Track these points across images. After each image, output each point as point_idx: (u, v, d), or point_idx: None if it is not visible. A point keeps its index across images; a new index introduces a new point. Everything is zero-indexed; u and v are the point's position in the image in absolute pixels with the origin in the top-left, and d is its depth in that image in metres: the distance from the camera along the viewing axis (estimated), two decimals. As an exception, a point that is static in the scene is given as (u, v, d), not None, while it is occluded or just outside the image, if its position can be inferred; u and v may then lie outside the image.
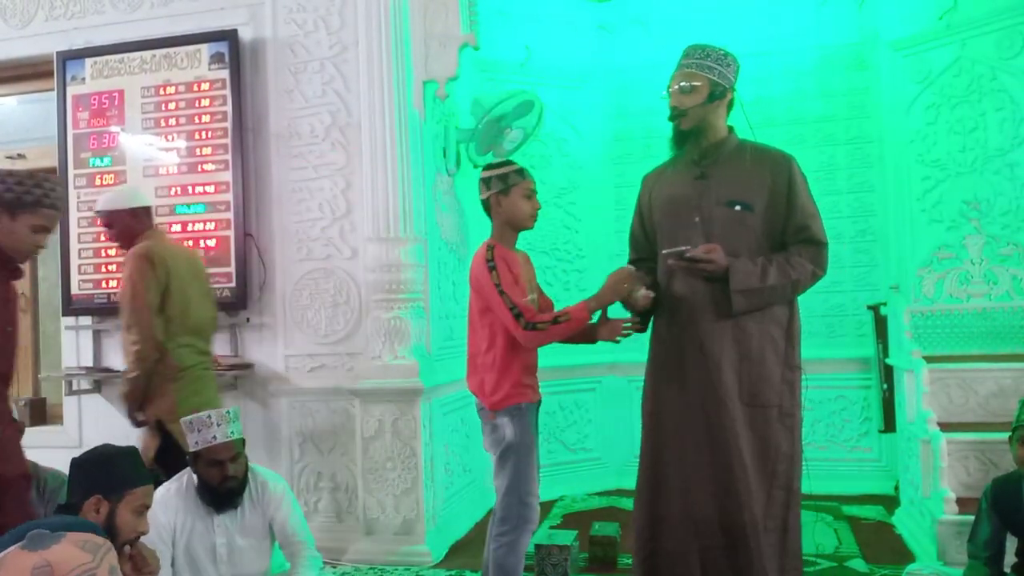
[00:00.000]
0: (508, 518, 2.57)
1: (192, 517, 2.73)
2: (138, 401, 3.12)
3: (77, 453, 2.17)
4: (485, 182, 2.65)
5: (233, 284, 4.04)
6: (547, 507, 4.48)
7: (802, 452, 2.48)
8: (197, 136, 4.12)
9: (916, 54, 4.25)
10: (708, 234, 2.46)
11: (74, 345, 4.38)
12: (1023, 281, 3.97)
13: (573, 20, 5.10)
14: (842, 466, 4.71)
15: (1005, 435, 2.68)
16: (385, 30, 3.81)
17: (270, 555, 2.85)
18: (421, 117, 3.95)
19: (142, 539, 2.12)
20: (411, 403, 3.74)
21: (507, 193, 2.61)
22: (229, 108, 4.06)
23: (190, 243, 4.07)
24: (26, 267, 2.59)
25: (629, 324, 2.60)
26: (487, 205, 2.67)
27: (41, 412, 5.08)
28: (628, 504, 2.83)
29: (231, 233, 4.06)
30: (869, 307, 4.60)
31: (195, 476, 2.73)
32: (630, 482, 2.72)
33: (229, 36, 4.07)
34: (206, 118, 4.11)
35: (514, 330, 2.48)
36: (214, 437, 2.66)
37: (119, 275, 4.14)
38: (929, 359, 3.70)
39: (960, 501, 3.25)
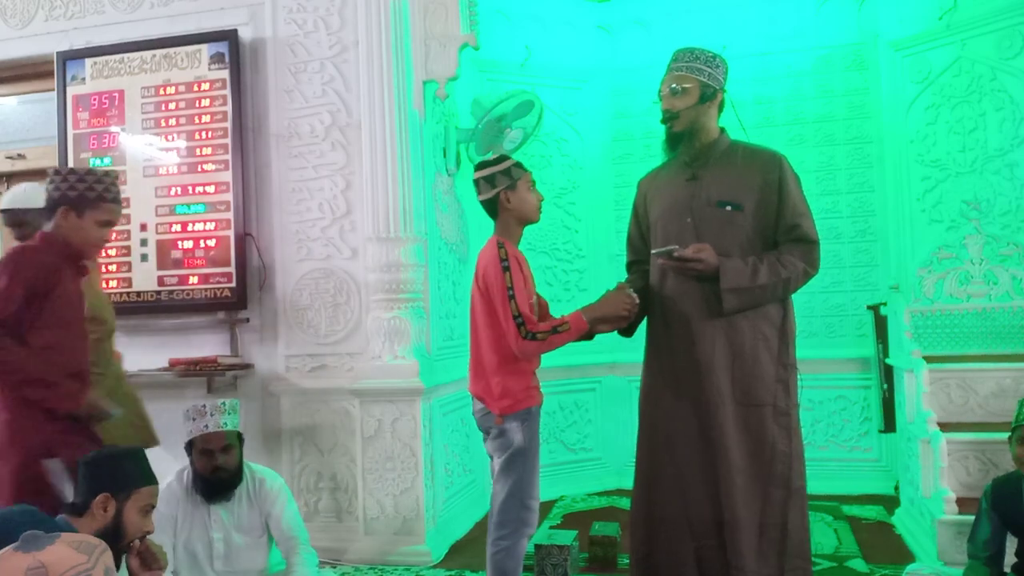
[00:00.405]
0: (507, 522, 2.54)
1: (191, 511, 2.76)
2: None
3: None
4: (488, 180, 2.58)
5: (233, 284, 4.04)
6: (547, 507, 4.47)
7: (803, 451, 2.47)
8: (197, 136, 4.12)
9: (916, 54, 4.26)
10: (700, 235, 2.47)
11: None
12: (1023, 281, 3.97)
13: (573, 20, 5.09)
14: (842, 466, 4.70)
15: (1005, 435, 2.68)
16: (385, 30, 3.81)
17: (268, 552, 2.86)
18: (421, 117, 3.95)
19: None
20: (411, 403, 3.74)
21: (515, 188, 2.58)
22: (229, 108, 4.06)
23: (190, 243, 4.08)
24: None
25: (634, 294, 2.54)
26: (493, 203, 2.60)
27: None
28: (628, 504, 2.82)
29: (231, 233, 4.05)
30: (869, 307, 4.59)
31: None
32: (630, 482, 2.72)
33: (229, 36, 4.07)
34: (206, 118, 4.11)
35: (513, 340, 2.45)
36: (206, 426, 2.71)
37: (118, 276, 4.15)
38: (929, 359, 3.69)
39: (960, 501, 3.24)
